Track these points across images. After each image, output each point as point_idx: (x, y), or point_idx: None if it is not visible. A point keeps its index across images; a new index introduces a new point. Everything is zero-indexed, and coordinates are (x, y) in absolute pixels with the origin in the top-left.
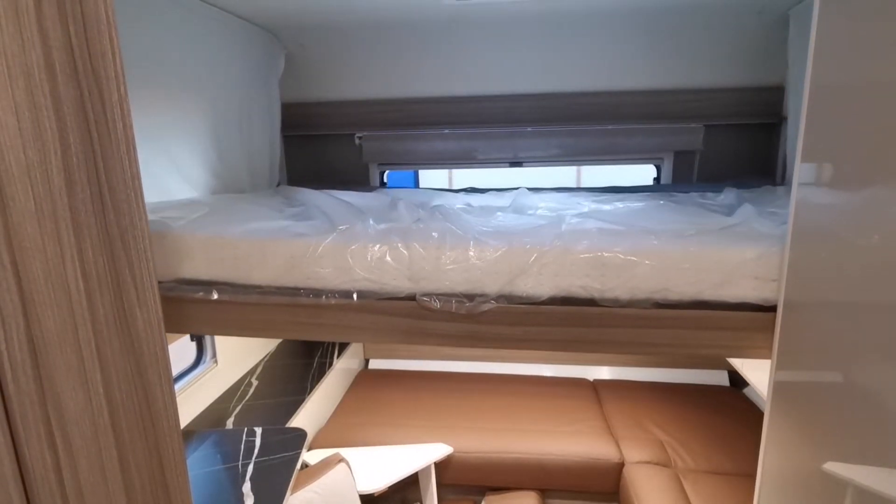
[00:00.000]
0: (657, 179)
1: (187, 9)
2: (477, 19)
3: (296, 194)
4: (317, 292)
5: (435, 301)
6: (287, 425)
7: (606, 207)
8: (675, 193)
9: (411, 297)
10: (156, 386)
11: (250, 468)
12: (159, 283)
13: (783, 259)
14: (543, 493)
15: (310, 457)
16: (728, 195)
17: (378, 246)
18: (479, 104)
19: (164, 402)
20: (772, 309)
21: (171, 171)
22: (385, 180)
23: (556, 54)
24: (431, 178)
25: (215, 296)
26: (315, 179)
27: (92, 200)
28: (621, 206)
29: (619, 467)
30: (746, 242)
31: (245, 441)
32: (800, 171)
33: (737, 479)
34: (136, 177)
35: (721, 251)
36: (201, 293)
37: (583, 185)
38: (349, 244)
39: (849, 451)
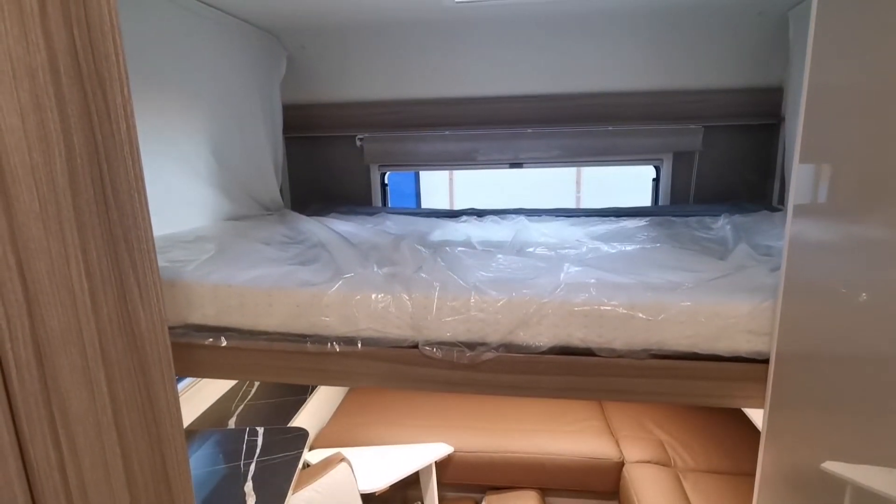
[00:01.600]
0: (656, 180)
1: (189, 11)
2: (477, 21)
3: (300, 224)
4: (322, 339)
5: (437, 350)
6: (288, 425)
7: (605, 248)
8: (672, 218)
9: (414, 346)
10: (159, 385)
11: (252, 468)
12: (170, 328)
13: (775, 313)
14: (543, 492)
15: (311, 456)
16: (724, 225)
17: (382, 295)
18: (479, 105)
19: (167, 401)
20: (765, 360)
21: (175, 173)
22: (386, 181)
23: (555, 56)
24: (432, 178)
25: (224, 343)
26: (316, 182)
27: (96, 201)
28: (617, 249)
29: (619, 466)
30: (740, 296)
31: (247, 441)
32: (795, 194)
33: (736, 478)
34: (139, 178)
35: (715, 305)
36: (210, 339)
37: (582, 182)
38: (354, 293)
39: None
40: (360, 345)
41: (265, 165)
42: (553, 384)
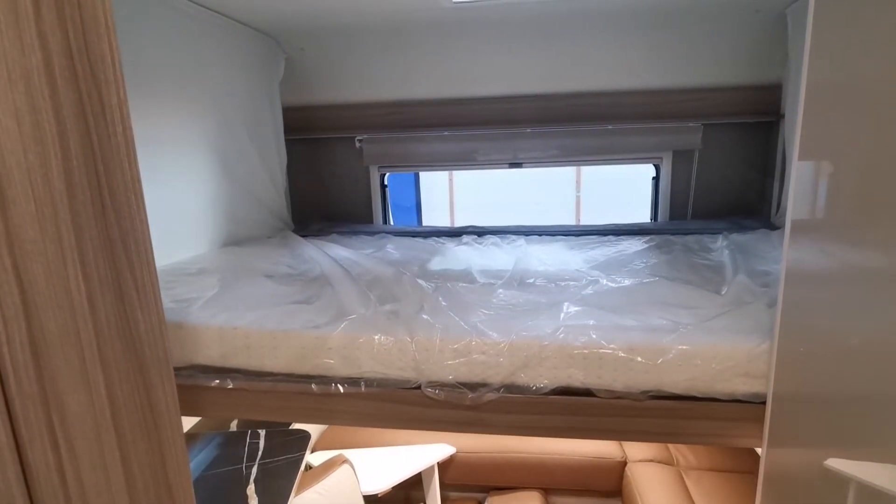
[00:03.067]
0: (656, 179)
1: (188, 15)
2: (475, 21)
3: (301, 251)
4: (326, 380)
5: (440, 392)
6: (290, 427)
7: (603, 282)
8: (671, 237)
9: (417, 387)
10: (158, 387)
11: (254, 470)
12: (176, 369)
13: (771, 355)
14: (547, 491)
15: (313, 458)
16: (722, 248)
17: (384, 338)
18: (478, 106)
19: (167, 404)
20: (762, 402)
21: (176, 175)
22: (385, 182)
23: (554, 55)
24: (432, 178)
25: (231, 385)
26: (315, 184)
27: (92, 203)
28: (616, 284)
29: (622, 466)
30: (737, 338)
31: (249, 443)
32: (792, 214)
33: (739, 476)
34: (136, 180)
35: (713, 349)
36: (217, 381)
37: (582, 182)
38: (357, 336)
39: None
40: (363, 386)
41: (273, 165)
42: (554, 424)
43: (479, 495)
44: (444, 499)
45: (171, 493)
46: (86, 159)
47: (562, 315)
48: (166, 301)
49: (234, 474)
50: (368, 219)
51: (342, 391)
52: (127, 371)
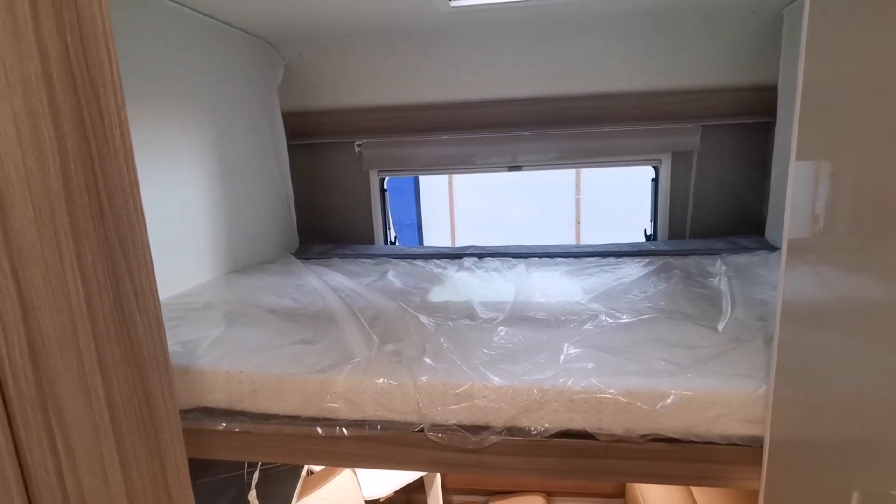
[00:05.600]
0: (655, 181)
1: (185, 21)
2: (473, 25)
3: (304, 280)
4: (332, 423)
5: (443, 436)
6: None
7: (603, 318)
8: (670, 260)
9: (420, 430)
10: (157, 390)
11: (256, 476)
12: (182, 412)
13: (768, 399)
14: (549, 495)
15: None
16: (720, 275)
17: (388, 382)
18: (477, 109)
19: (165, 407)
20: (760, 444)
21: (175, 179)
22: (385, 187)
23: (551, 58)
24: (432, 182)
25: (237, 429)
26: (315, 190)
27: (90, 206)
28: (614, 320)
29: None
30: (734, 382)
31: None
32: (789, 230)
33: None
34: (134, 184)
35: (710, 394)
36: (224, 425)
37: (582, 185)
38: (361, 381)
39: None
40: (368, 429)
41: (271, 168)
42: (555, 466)
43: (482, 499)
44: (446, 503)
45: (170, 497)
46: (84, 163)
47: (562, 357)
48: (172, 343)
49: (235, 480)
50: (369, 227)
51: (347, 434)
52: (125, 374)
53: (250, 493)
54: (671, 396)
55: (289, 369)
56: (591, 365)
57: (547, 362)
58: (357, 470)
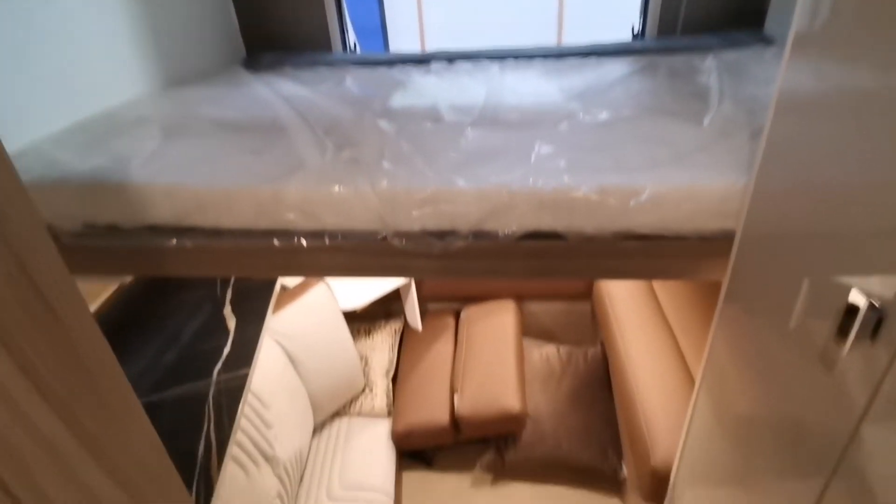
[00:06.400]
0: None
1: None
2: None
3: (252, 92)
4: (288, 235)
5: (406, 242)
6: None
7: (581, 117)
8: (657, 58)
9: (383, 238)
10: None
11: (229, 292)
12: (128, 231)
13: (746, 193)
14: (520, 299)
15: (288, 281)
16: (710, 70)
17: (344, 190)
18: None
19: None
20: (730, 237)
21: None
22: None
23: None
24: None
25: (189, 245)
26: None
27: None
28: (592, 118)
29: None
30: (713, 176)
31: None
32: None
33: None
34: None
35: (687, 189)
36: (175, 241)
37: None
38: (315, 189)
39: None
40: (327, 239)
41: None
42: (523, 268)
43: (457, 305)
44: (422, 311)
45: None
46: None
47: (533, 157)
48: (102, 158)
49: (209, 298)
50: (324, 32)
51: (305, 245)
52: None
53: (225, 308)
54: (645, 192)
55: (236, 181)
56: (563, 163)
57: (517, 163)
58: (332, 283)
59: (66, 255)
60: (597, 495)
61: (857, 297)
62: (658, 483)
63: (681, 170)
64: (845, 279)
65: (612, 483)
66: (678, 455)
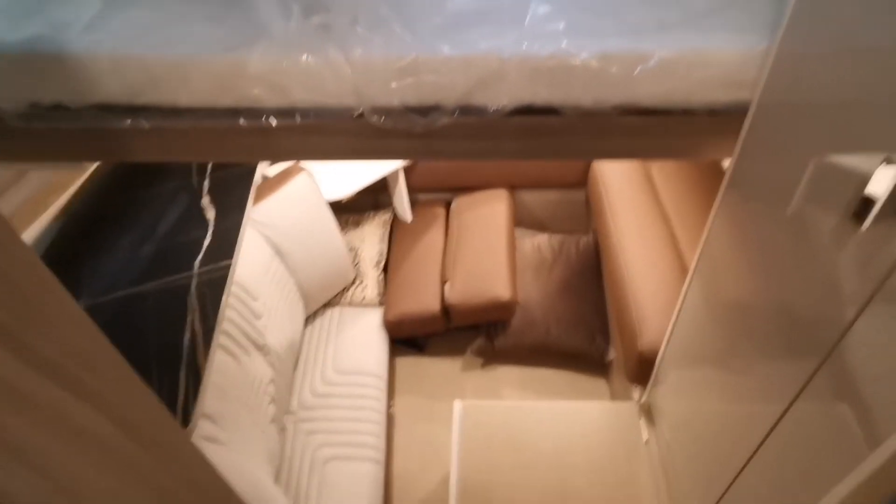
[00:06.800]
0: None
1: None
2: None
3: None
4: (256, 113)
5: (386, 119)
6: None
7: None
8: None
9: (360, 115)
10: None
11: (206, 182)
12: (76, 110)
13: (767, 59)
14: (513, 188)
15: (269, 170)
16: None
17: (313, 59)
18: None
19: None
20: (743, 111)
21: None
22: None
23: None
24: None
25: (146, 125)
26: None
27: None
28: None
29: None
30: (731, 40)
31: None
32: None
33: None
34: None
35: (699, 53)
36: (129, 121)
37: None
38: (280, 59)
39: None
40: (298, 118)
41: None
42: (515, 148)
43: (448, 195)
44: (412, 202)
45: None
46: None
47: (528, 18)
48: (37, 25)
49: (184, 188)
50: None
51: (274, 125)
52: None
53: (202, 199)
54: (653, 59)
55: (190, 50)
56: (561, 26)
57: (509, 25)
58: (315, 173)
59: (14, 139)
60: (583, 377)
61: (885, 171)
62: (644, 365)
63: (693, 33)
64: (867, 156)
65: (598, 366)
66: (666, 338)
